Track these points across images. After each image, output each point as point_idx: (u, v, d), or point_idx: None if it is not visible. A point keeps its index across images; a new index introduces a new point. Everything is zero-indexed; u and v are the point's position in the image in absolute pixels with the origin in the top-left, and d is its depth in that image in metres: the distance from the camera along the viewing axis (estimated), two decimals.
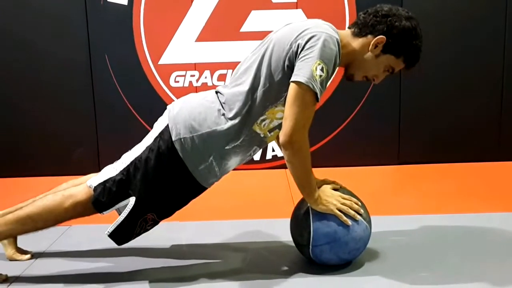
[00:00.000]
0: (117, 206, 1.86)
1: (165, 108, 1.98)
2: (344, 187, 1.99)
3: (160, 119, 1.95)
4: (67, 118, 3.69)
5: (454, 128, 3.72)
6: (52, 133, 3.70)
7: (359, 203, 1.93)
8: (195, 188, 1.92)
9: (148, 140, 1.91)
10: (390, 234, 2.33)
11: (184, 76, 3.65)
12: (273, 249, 2.22)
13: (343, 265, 1.98)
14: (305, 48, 1.73)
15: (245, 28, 3.56)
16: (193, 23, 3.58)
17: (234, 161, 1.91)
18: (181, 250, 2.25)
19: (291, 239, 2.04)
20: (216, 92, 1.95)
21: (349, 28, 1.94)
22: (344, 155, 3.73)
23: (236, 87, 1.88)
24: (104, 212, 1.87)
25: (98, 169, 3.71)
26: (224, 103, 1.88)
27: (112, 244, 1.92)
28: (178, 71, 3.64)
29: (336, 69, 1.84)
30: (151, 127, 1.98)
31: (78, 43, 3.60)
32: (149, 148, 1.87)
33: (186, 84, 3.64)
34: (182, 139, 1.83)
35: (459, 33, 3.61)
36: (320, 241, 1.88)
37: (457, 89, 3.68)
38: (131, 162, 1.87)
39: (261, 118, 1.86)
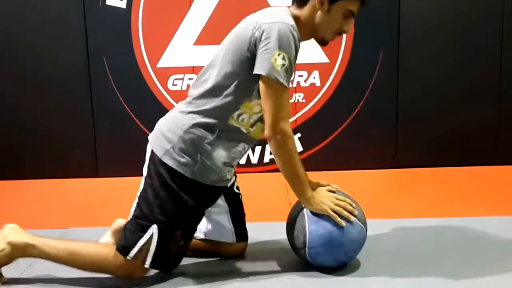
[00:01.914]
0: (140, 242, 1.85)
1: (163, 111, 2.00)
2: (338, 189, 2.00)
3: (147, 148, 1.99)
4: (65, 120, 3.69)
5: (451, 132, 3.72)
6: (50, 135, 3.70)
7: (354, 205, 1.93)
8: (203, 190, 1.92)
9: (144, 172, 1.96)
10: (386, 238, 2.34)
11: (182, 79, 3.65)
12: (270, 252, 2.22)
13: (340, 267, 1.98)
14: (262, 40, 1.77)
15: None
16: (191, 27, 3.59)
17: (220, 154, 1.92)
18: None
19: (287, 242, 2.05)
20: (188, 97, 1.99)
21: (292, 4, 1.96)
22: (341, 159, 3.74)
23: (201, 85, 1.92)
24: (130, 254, 1.85)
25: (96, 171, 3.74)
26: (190, 103, 1.93)
27: None
28: (176, 74, 3.64)
29: (299, 50, 1.86)
30: (149, 130, 2.01)
31: (77, 46, 3.61)
32: (147, 177, 1.93)
33: (184, 87, 3.64)
34: (167, 153, 1.88)
35: (457, 37, 3.62)
36: (316, 243, 1.88)
37: (454, 93, 3.69)
38: (138, 198, 1.93)
39: (237, 113, 1.89)
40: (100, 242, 1.96)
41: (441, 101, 3.70)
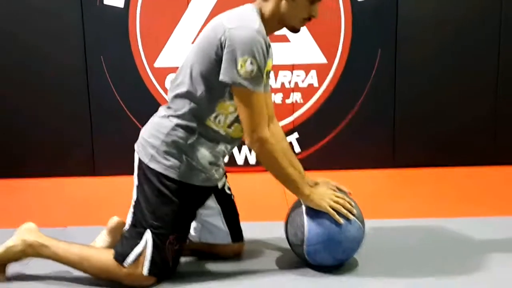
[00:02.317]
0: (136, 250, 1.85)
1: None
2: (338, 186, 2.00)
3: (134, 158, 2.00)
4: (62, 119, 3.68)
5: (450, 132, 3.73)
6: (47, 134, 3.69)
7: (352, 203, 1.94)
8: (193, 191, 1.93)
9: (134, 181, 1.97)
10: (385, 238, 2.34)
11: None
12: (268, 252, 2.22)
13: (339, 268, 1.99)
14: (226, 46, 1.77)
15: None
16: (189, 26, 3.59)
17: (203, 154, 1.92)
18: None
19: (286, 242, 2.05)
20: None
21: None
22: (339, 159, 3.73)
23: (176, 88, 1.93)
24: (127, 261, 1.85)
25: (93, 171, 3.73)
26: (168, 107, 1.95)
27: None
28: (173, 73, 3.63)
29: (269, 48, 1.85)
30: None
31: (74, 45, 3.59)
32: (137, 186, 1.95)
33: None
34: (152, 158, 1.90)
35: (454, 37, 3.62)
36: (314, 241, 1.89)
37: (452, 92, 3.69)
38: (133, 206, 1.95)
39: (214, 114, 1.90)
40: (110, 249, 1.96)
41: (439, 101, 3.70)
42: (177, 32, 3.59)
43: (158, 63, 3.62)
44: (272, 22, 1.91)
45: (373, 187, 3.33)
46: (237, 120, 1.92)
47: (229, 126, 1.95)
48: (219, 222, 2.12)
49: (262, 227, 2.49)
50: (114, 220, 2.14)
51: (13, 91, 3.64)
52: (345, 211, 1.89)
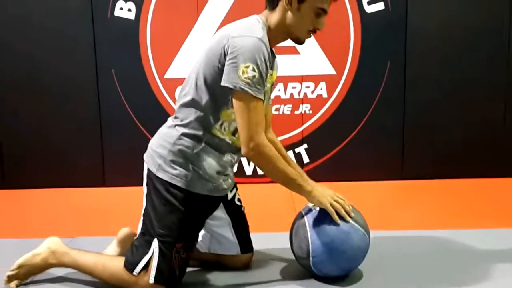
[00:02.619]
0: (145, 258, 1.88)
1: None
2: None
3: (144, 168, 2.03)
4: (72, 130, 3.71)
5: (458, 144, 3.72)
6: (58, 145, 3.72)
7: (351, 207, 1.95)
8: (200, 200, 1.94)
9: (144, 190, 2.00)
10: (392, 249, 2.33)
11: None
12: (276, 262, 2.22)
13: (345, 278, 1.98)
14: (229, 53, 1.79)
15: None
16: (199, 37, 3.62)
17: (210, 163, 1.94)
18: None
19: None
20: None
21: (265, 9, 1.98)
22: (348, 170, 3.74)
23: (183, 98, 1.96)
24: (136, 270, 1.88)
25: (102, 181, 3.75)
26: (175, 117, 1.98)
27: None
28: None
29: (272, 60, 1.88)
30: None
31: (85, 57, 3.63)
32: (147, 195, 1.97)
33: None
34: (160, 168, 1.92)
35: (463, 50, 3.63)
36: (319, 252, 1.89)
37: (461, 104, 3.68)
38: (143, 215, 1.97)
39: (219, 122, 1.92)
40: (122, 257, 1.98)
41: (447, 113, 3.70)
42: (187, 43, 3.62)
43: (168, 74, 3.66)
44: (278, 33, 1.93)
45: (381, 198, 3.32)
46: None
47: (234, 134, 1.96)
48: (228, 233, 2.13)
49: (271, 237, 2.49)
50: (124, 231, 2.16)
51: (24, 103, 3.69)
52: (343, 212, 1.89)
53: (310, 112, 3.70)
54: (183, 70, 3.65)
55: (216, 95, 1.88)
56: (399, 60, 3.63)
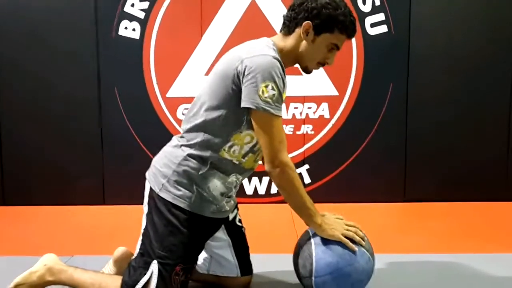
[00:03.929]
0: (143, 279, 1.85)
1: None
2: (343, 218, 1.99)
3: (145, 185, 2.01)
4: (74, 148, 3.71)
5: (461, 167, 3.71)
6: (59, 163, 3.72)
7: (363, 232, 1.93)
8: (202, 222, 1.92)
9: (144, 209, 1.98)
10: (394, 273, 2.31)
11: None
12: (276, 284, 2.20)
13: None
14: (246, 74, 1.79)
15: None
16: (203, 57, 3.64)
17: (215, 185, 1.92)
18: None
19: (294, 274, 2.02)
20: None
21: (280, 32, 2.00)
22: (350, 191, 3.72)
23: (191, 119, 1.95)
24: None
25: (103, 199, 3.74)
26: (182, 137, 1.97)
27: None
28: (185, 103, 3.67)
29: (285, 77, 1.88)
30: None
31: (89, 76, 3.65)
32: (147, 214, 1.95)
33: None
34: (163, 188, 1.90)
35: (466, 74, 3.64)
36: (322, 272, 1.86)
37: (464, 128, 3.68)
38: (142, 235, 1.95)
39: (228, 145, 1.90)
40: (120, 277, 1.96)
41: (450, 136, 3.69)
42: (191, 63, 3.64)
43: (170, 93, 3.67)
44: (288, 58, 1.94)
45: (383, 221, 3.30)
46: (251, 150, 1.93)
47: (243, 157, 1.95)
48: (228, 254, 2.11)
49: (271, 259, 2.46)
50: (120, 250, 2.14)
51: (26, 121, 3.70)
52: (358, 238, 1.87)
53: (312, 132, 3.70)
54: (185, 89, 3.66)
55: (228, 118, 1.87)
56: (401, 82, 3.64)
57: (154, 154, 2.05)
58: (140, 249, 1.93)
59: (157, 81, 3.66)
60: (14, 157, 3.74)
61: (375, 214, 3.47)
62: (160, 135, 3.61)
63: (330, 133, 3.70)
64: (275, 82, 1.78)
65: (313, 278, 1.89)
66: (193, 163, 1.90)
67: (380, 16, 3.58)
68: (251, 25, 3.59)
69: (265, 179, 3.72)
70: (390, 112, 3.66)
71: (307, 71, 2.01)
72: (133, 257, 1.97)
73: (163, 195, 1.90)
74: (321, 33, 1.90)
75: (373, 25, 3.59)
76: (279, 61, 1.82)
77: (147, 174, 2.01)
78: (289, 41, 1.94)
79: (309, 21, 1.89)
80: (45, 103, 3.68)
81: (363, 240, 1.90)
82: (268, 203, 3.70)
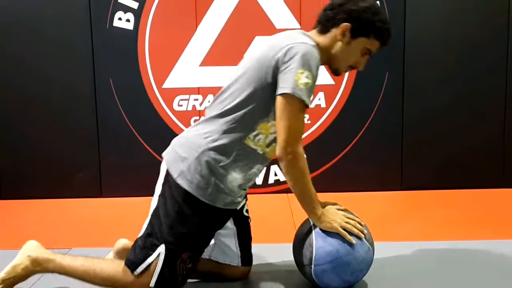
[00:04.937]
0: (147, 261, 1.85)
1: (168, 132, 2.00)
2: (346, 209, 1.99)
3: (161, 166, 1.98)
4: (70, 140, 3.70)
5: (458, 154, 3.71)
6: (55, 156, 3.71)
7: (362, 223, 1.93)
8: (214, 212, 1.90)
9: (157, 189, 1.95)
10: (392, 261, 2.31)
11: (188, 100, 3.66)
12: (274, 274, 2.20)
13: None
14: (285, 61, 1.78)
15: None
16: (198, 48, 3.62)
17: (234, 177, 1.90)
18: None
19: (293, 264, 2.03)
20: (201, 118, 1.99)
21: (314, 28, 1.99)
22: (347, 180, 3.72)
23: (219, 105, 1.92)
24: (137, 270, 1.84)
25: (100, 192, 3.73)
26: (207, 123, 1.92)
27: None
28: (181, 95, 3.66)
29: (319, 71, 1.87)
30: (154, 151, 2.01)
31: (83, 67, 3.63)
32: (160, 196, 1.92)
33: (190, 108, 3.65)
34: (181, 174, 1.87)
35: (462, 59, 3.63)
36: (322, 260, 1.87)
37: (461, 114, 3.68)
38: (151, 215, 1.92)
39: (254, 133, 1.88)
40: (114, 259, 1.95)
41: (446, 124, 3.69)
42: (186, 54, 3.62)
43: (166, 85, 3.65)
44: (321, 57, 1.90)
45: (380, 210, 3.30)
46: (275, 140, 1.89)
47: (268, 146, 1.93)
48: (232, 243, 2.11)
49: (269, 249, 2.47)
50: (121, 242, 2.13)
51: (20, 114, 3.68)
52: (356, 231, 1.87)
53: (309, 122, 3.69)
54: (181, 80, 3.64)
55: (259, 106, 1.86)
56: (397, 70, 3.63)
57: (150, 145, 2.03)
58: (147, 229, 1.90)
59: (152, 72, 3.64)
60: (9, 150, 3.72)
61: (373, 202, 3.48)
62: (157, 126, 3.59)
63: (327, 122, 3.69)
64: (311, 71, 1.78)
65: (312, 266, 1.89)
66: (215, 155, 1.87)
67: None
68: (246, 15, 3.57)
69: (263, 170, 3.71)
70: (386, 100, 3.65)
71: (337, 72, 2.00)
72: (139, 235, 1.94)
73: (180, 182, 1.86)
74: (357, 36, 1.89)
75: None
76: (318, 51, 1.82)
77: (165, 155, 1.97)
78: (323, 40, 1.93)
79: (348, 23, 1.88)
80: (40, 96, 3.66)
81: (363, 232, 1.89)
82: (266, 193, 3.69)
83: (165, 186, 1.92)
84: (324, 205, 1.95)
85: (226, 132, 1.88)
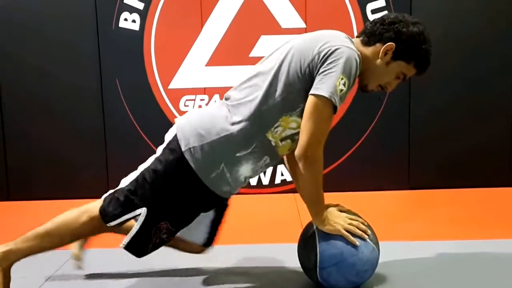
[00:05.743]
0: (124, 217, 1.83)
1: None
2: (349, 209, 1.98)
3: (169, 130, 1.95)
4: (76, 141, 3.71)
5: (464, 154, 3.69)
6: (62, 156, 3.72)
7: (366, 224, 1.92)
8: (207, 195, 1.88)
9: (158, 151, 1.92)
10: (399, 260, 2.30)
11: (194, 100, 3.67)
12: (281, 274, 2.19)
13: None
14: (328, 62, 1.74)
15: (255, 53, 3.59)
16: (204, 48, 3.62)
17: (245, 169, 1.87)
18: (189, 274, 2.23)
19: (299, 264, 2.02)
20: (226, 99, 1.93)
21: (357, 37, 1.95)
22: (354, 180, 3.72)
23: (247, 90, 1.87)
24: (110, 223, 1.84)
25: (106, 192, 3.72)
26: (233, 106, 1.87)
27: (119, 269, 1.90)
28: (188, 95, 3.66)
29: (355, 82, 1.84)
30: None
31: (90, 68, 3.65)
32: (158, 159, 1.88)
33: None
34: (191, 149, 1.82)
35: (469, 59, 3.62)
36: (327, 263, 1.86)
37: (467, 114, 3.67)
38: (140, 173, 1.89)
39: (276, 124, 1.84)
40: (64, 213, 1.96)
41: (453, 123, 3.68)
42: (192, 54, 3.63)
43: (172, 85, 3.65)
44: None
45: (387, 209, 3.29)
46: (292, 137, 1.87)
47: (282, 140, 1.88)
48: (203, 225, 2.08)
49: (276, 249, 2.47)
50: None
51: (28, 114, 3.70)
52: (360, 232, 1.86)
53: None
54: (187, 80, 3.65)
55: (289, 98, 1.81)
56: None
57: (157, 145, 2.01)
58: (131, 184, 1.88)
59: (158, 73, 3.65)
60: (17, 151, 3.74)
61: (380, 202, 3.47)
62: (162, 126, 3.57)
63: (333, 122, 3.68)
64: (349, 79, 1.74)
65: (317, 269, 1.89)
66: (237, 143, 1.82)
67: (381, 2, 3.56)
68: (252, 14, 3.57)
69: (269, 170, 3.71)
70: (393, 100, 3.64)
71: (365, 89, 1.97)
72: (120, 187, 1.91)
73: (187, 156, 1.82)
74: (398, 59, 1.87)
75: (374, 11, 3.56)
76: (360, 60, 1.79)
77: (179, 123, 1.92)
78: (366, 52, 1.88)
79: (394, 44, 1.84)
80: (47, 96, 3.68)
81: (367, 232, 1.88)
82: (273, 194, 3.69)
83: (165, 151, 1.88)
84: (326, 207, 1.94)
85: (255, 122, 1.82)
